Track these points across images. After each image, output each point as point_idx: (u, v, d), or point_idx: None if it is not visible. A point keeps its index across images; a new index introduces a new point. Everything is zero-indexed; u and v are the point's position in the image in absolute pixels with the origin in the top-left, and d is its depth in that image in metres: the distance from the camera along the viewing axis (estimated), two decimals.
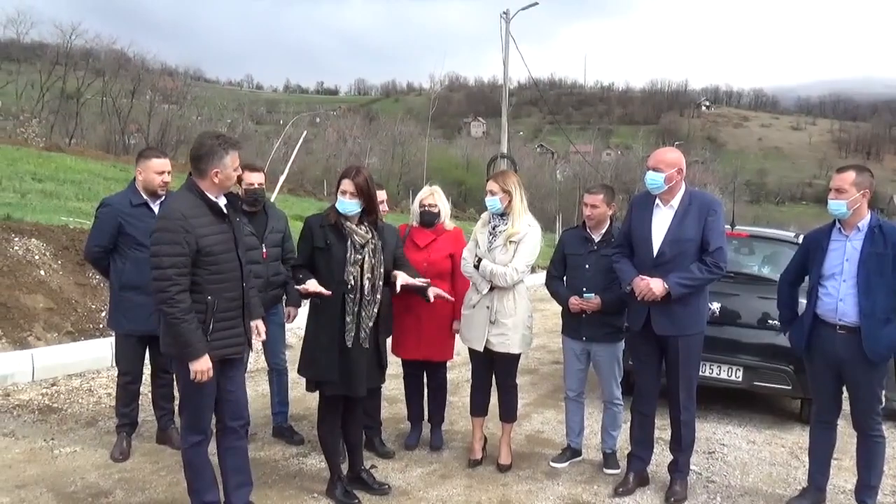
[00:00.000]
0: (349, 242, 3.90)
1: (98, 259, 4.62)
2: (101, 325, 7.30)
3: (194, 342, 3.31)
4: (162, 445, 4.75)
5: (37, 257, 7.89)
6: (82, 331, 7.30)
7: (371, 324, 3.93)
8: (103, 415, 5.33)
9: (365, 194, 3.89)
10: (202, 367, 3.32)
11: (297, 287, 3.95)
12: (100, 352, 6.66)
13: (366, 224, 3.97)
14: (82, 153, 26.09)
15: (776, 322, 5.06)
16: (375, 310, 3.94)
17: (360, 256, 3.89)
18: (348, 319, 3.87)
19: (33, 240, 8.10)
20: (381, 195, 4.84)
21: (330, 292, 3.82)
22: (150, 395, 4.89)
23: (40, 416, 5.29)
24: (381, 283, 3.96)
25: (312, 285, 3.82)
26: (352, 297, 3.87)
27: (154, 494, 4.06)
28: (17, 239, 7.96)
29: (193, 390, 3.45)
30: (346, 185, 3.89)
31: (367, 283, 3.90)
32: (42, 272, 7.73)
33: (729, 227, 6.49)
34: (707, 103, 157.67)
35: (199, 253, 3.34)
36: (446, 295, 4.25)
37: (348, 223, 3.93)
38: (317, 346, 3.94)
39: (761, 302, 5.87)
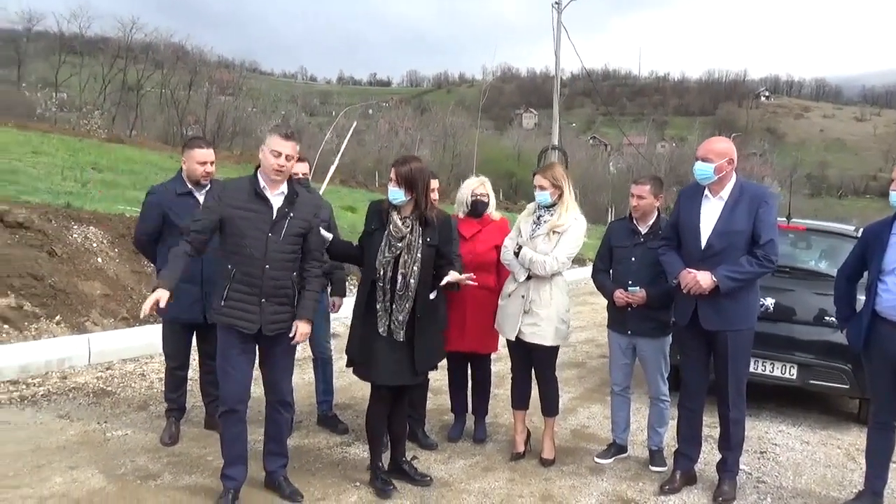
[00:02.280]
0: (387, 232, 3.91)
1: (145, 246, 4.73)
2: (153, 312, 7.48)
3: (161, 274, 3.72)
4: (210, 431, 4.83)
5: (95, 245, 8.12)
6: (137, 317, 7.49)
7: (402, 318, 3.88)
8: (154, 399, 5.47)
9: (408, 184, 3.87)
10: (155, 295, 3.54)
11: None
12: (153, 338, 6.80)
13: (409, 217, 3.93)
14: (142, 144, 26.85)
15: (833, 319, 4.89)
16: (408, 305, 3.89)
17: (395, 249, 3.88)
18: (378, 307, 3.89)
19: (92, 228, 8.35)
20: (433, 184, 4.82)
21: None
22: (198, 381, 5.00)
23: (95, 399, 5.45)
24: (414, 280, 3.88)
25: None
26: (381, 286, 3.88)
27: (200, 478, 4.14)
28: (76, 227, 8.22)
29: (220, 359, 3.80)
30: (392, 172, 3.92)
31: (399, 278, 3.87)
32: (99, 259, 7.96)
33: (785, 220, 6.30)
34: (766, 93, 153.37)
35: (227, 223, 3.70)
36: (465, 279, 4.00)
37: (394, 213, 3.93)
38: (352, 327, 4.06)
39: (818, 298, 5.68)
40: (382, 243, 3.90)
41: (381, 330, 3.89)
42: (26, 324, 6.54)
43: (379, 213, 3.99)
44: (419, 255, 3.90)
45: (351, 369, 4.11)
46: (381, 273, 3.87)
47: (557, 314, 4.47)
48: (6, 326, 6.36)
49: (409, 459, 4.32)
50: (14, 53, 49.79)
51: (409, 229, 3.90)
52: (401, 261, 3.88)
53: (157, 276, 3.62)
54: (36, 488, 3.89)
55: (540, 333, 4.44)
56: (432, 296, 4.03)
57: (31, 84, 44.80)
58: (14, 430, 4.72)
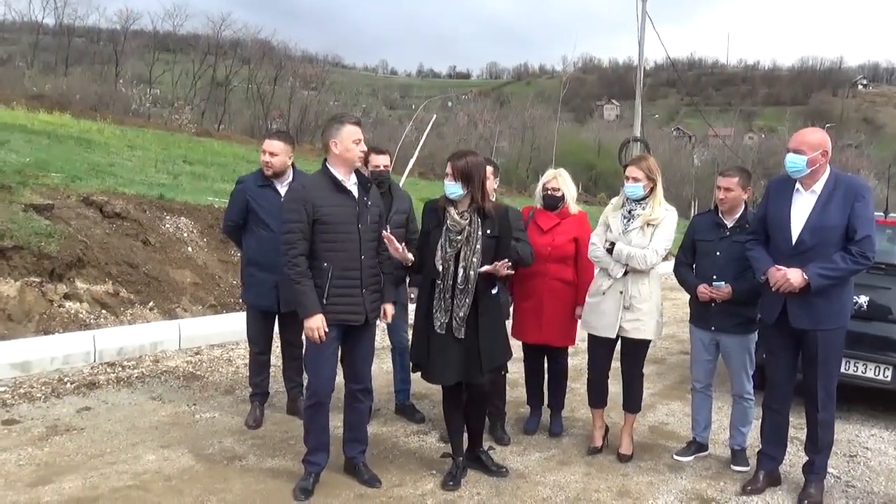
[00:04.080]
0: (445, 228, 3.88)
1: (232, 232, 4.96)
2: (240, 300, 7.75)
3: (306, 302, 3.71)
4: (292, 416, 4.98)
5: (185, 235, 8.47)
6: (224, 304, 7.79)
7: (462, 315, 3.85)
8: (240, 384, 5.67)
9: (465, 178, 3.83)
10: (313, 324, 3.70)
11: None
12: (239, 324, 6.98)
13: (467, 211, 3.90)
14: (229, 138, 27.81)
15: None
16: (468, 301, 3.85)
17: (455, 244, 3.85)
18: (434, 305, 3.87)
19: (182, 218, 8.71)
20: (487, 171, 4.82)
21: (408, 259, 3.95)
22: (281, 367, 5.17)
23: (184, 383, 5.70)
24: (474, 272, 3.84)
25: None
26: (440, 283, 3.86)
27: (283, 461, 4.28)
28: (168, 217, 8.58)
29: (311, 353, 3.83)
30: (448, 167, 3.90)
31: (460, 272, 3.85)
32: (189, 249, 8.29)
33: (882, 214, 6.01)
34: (864, 81, 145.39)
35: (317, 222, 3.70)
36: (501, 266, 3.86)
37: (450, 208, 3.90)
38: (414, 330, 4.06)
39: None
40: (442, 239, 3.88)
41: (436, 327, 3.87)
42: (122, 309, 6.89)
43: (435, 212, 3.97)
44: (479, 246, 3.86)
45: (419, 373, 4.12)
46: (442, 269, 3.86)
47: (657, 307, 4.44)
48: (104, 312, 6.71)
49: (486, 450, 4.32)
50: (112, 52, 52.22)
51: (467, 221, 3.87)
52: (461, 254, 3.86)
53: (303, 308, 3.72)
54: (131, 465, 4.11)
55: (642, 328, 4.40)
56: (494, 290, 4.02)
57: (127, 81, 46.95)
58: (112, 410, 4.99)
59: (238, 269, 8.14)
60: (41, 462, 4.09)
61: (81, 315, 6.50)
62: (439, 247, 3.88)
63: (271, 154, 4.68)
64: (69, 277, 6.71)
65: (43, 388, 5.30)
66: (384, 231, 3.89)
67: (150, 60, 54.30)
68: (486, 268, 3.83)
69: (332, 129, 3.83)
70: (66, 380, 5.50)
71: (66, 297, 6.56)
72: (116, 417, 4.84)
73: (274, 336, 5.03)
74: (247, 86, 53.05)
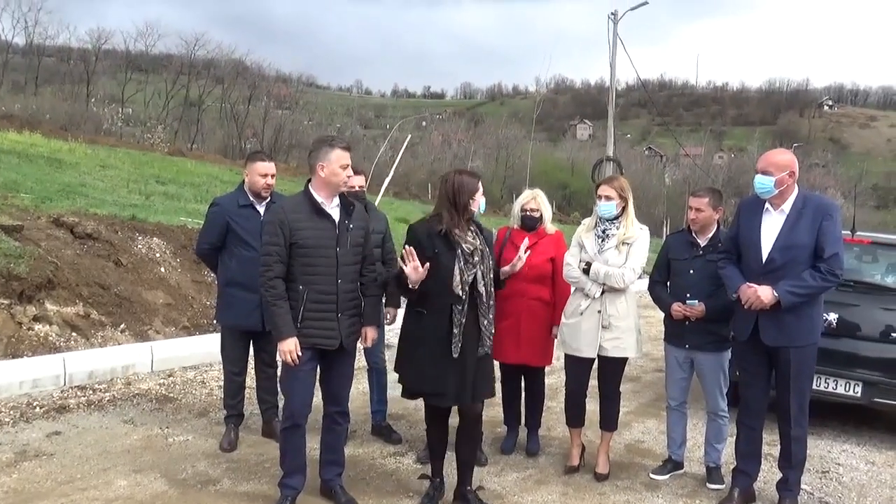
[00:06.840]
0: (459, 251, 3.78)
1: (207, 256, 4.89)
2: (214, 321, 7.67)
3: (280, 324, 3.69)
4: (267, 438, 4.93)
5: (158, 255, 8.38)
6: (197, 326, 7.70)
7: (492, 331, 3.87)
8: (214, 406, 5.60)
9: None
10: (287, 347, 3.68)
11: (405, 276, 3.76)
12: (213, 346, 6.94)
13: (472, 230, 3.88)
14: (202, 157, 27.64)
15: None
16: (492, 315, 3.88)
17: (472, 266, 3.79)
18: (455, 331, 3.74)
19: (155, 239, 8.61)
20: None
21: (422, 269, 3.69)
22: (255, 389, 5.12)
23: (157, 405, 5.61)
24: (491, 287, 3.88)
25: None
26: (459, 308, 3.75)
27: (259, 485, 4.22)
28: (140, 238, 8.49)
29: (286, 375, 3.80)
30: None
31: (482, 290, 3.82)
32: (162, 269, 8.20)
33: (849, 233, 6.12)
34: (830, 103, 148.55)
35: (294, 245, 3.67)
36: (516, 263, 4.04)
37: (457, 231, 3.79)
38: (423, 357, 3.82)
39: (884, 313, 5.53)
40: (460, 263, 3.76)
41: (455, 353, 3.75)
42: (93, 331, 6.78)
43: (439, 236, 3.80)
44: (491, 262, 3.90)
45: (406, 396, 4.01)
46: (462, 294, 3.76)
47: (635, 325, 4.49)
48: (75, 334, 6.60)
49: (474, 489, 4.09)
50: (83, 71, 51.76)
51: (477, 241, 3.87)
52: (478, 274, 3.82)
53: (278, 331, 3.70)
54: (102, 490, 4.03)
55: (622, 346, 4.44)
56: None
57: (99, 100, 46.51)
58: (82, 434, 4.89)
59: (212, 289, 8.10)
60: (10, 489, 3.99)
61: (51, 338, 6.38)
62: (457, 271, 3.75)
63: (272, 176, 4.71)
64: (39, 299, 6.59)
65: (11, 412, 5.19)
66: (406, 247, 3.72)
67: (123, 80, 53.91)
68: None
69: (320, 151, 3.76)
70: (35, 404, 5.39)
71: (36, 319, 6.45)
72: (87, 442, 4.76)
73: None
74: (220, 105, 52.87)
